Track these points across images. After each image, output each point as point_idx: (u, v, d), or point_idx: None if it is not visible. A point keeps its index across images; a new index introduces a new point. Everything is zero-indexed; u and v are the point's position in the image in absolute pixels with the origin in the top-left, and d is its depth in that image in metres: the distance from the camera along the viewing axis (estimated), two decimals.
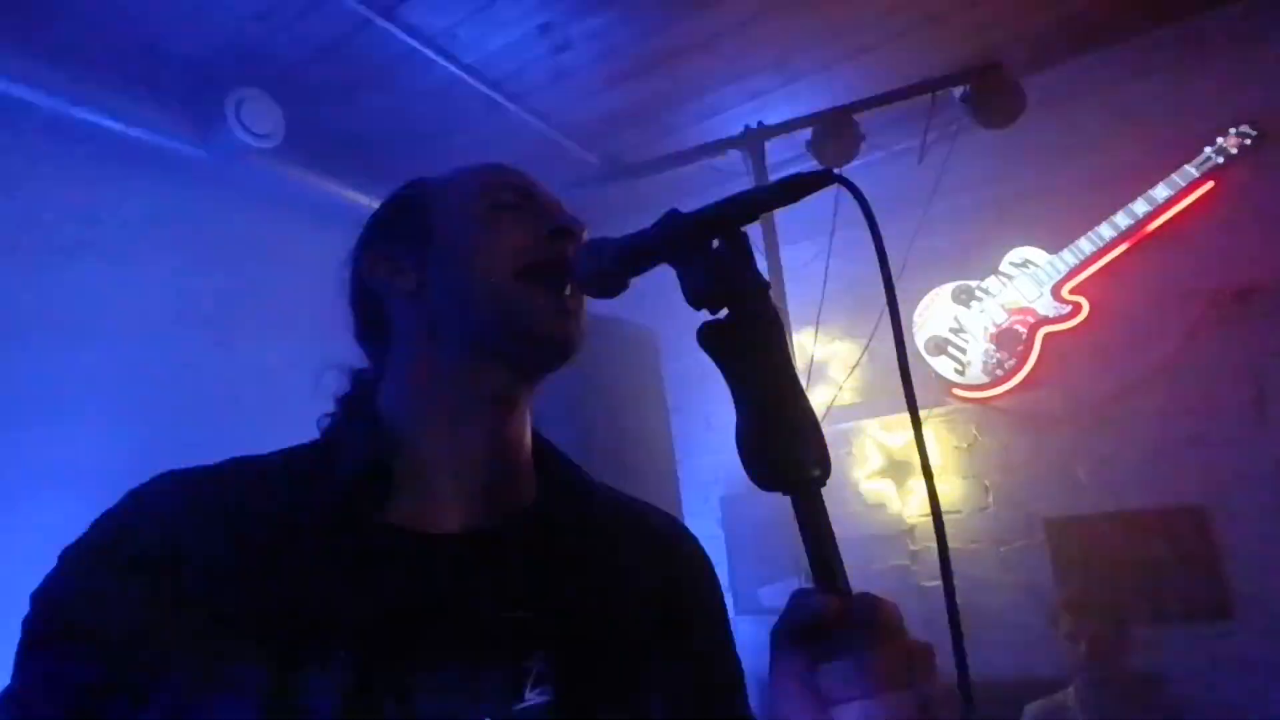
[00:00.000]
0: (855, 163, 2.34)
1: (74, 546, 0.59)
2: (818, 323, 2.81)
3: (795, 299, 3.11)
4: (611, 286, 0.64)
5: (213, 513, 0.60)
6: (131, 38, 2.12)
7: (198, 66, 2.20)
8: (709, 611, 0.76)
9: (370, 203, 3.01)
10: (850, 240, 2.99)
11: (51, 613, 0.57)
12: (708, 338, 0.53)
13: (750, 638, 3.12)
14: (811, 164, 2.41)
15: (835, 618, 0.45)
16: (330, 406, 0.73)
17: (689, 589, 0.74)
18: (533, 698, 0.58)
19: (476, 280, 0.66)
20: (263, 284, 2.37)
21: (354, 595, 0.57)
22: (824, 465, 0.51)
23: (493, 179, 0.72)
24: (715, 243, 0.57)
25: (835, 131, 2.15)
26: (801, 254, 2.92)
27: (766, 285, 0.55)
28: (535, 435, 0.75)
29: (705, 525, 3.21)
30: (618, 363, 2.50)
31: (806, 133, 2.26)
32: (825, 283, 2.79)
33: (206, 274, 2.21)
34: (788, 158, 2.80)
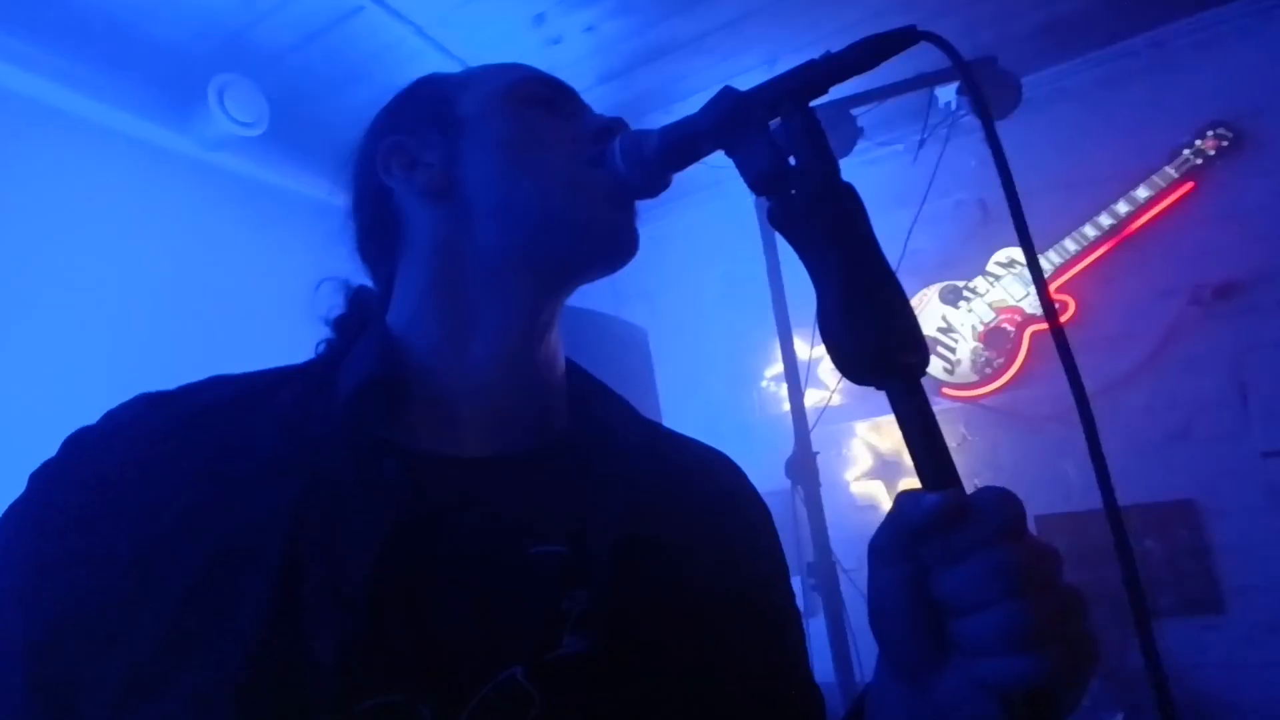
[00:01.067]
0: (848, 160, 2.34)
1: (43, 469, 0.54)
2: (814, 325, 2.79)
3: (792, 298, 3.11)
4: (656, 182, 0.58)
5: (194, 440, 0.53)
6: (111, 20, 2.04)
7: (179, 51, 2.12)
8: (772, 569, 0.68)
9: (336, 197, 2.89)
10: None
11: (18, 538, 0.50)
12: (779, 216, 0.49)
13: None
14: None
15: (954, 515, 0.39)
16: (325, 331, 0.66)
17: (751, 542, 0.67)
18: (571, 644, 0.50)
19: (524, 175, 0.59)
20: (246, 275, 2.29)
21: (358, 530, 0.49)
22: (923, 350, 0.45)
23: (524, 73, 0.66)
24: (774, 123, 0.51)
25: (830, 124, 2.14)
26: (791, 256, 2.91)
27: (836, 162, 0.49)
28: (570, 362, 0.68)
29: None
30: (608, 362, 2.45)
31: None
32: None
33: (188, 263, 2.12)
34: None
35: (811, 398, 3.13)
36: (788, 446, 3.04)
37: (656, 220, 3.58)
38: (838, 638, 1.93)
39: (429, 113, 0.64)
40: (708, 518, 0.64)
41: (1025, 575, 0.37)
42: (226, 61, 2.21)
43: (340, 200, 2.68)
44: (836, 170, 0.48)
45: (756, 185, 0.50)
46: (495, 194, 0.59)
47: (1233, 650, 2.42)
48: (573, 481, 0.58)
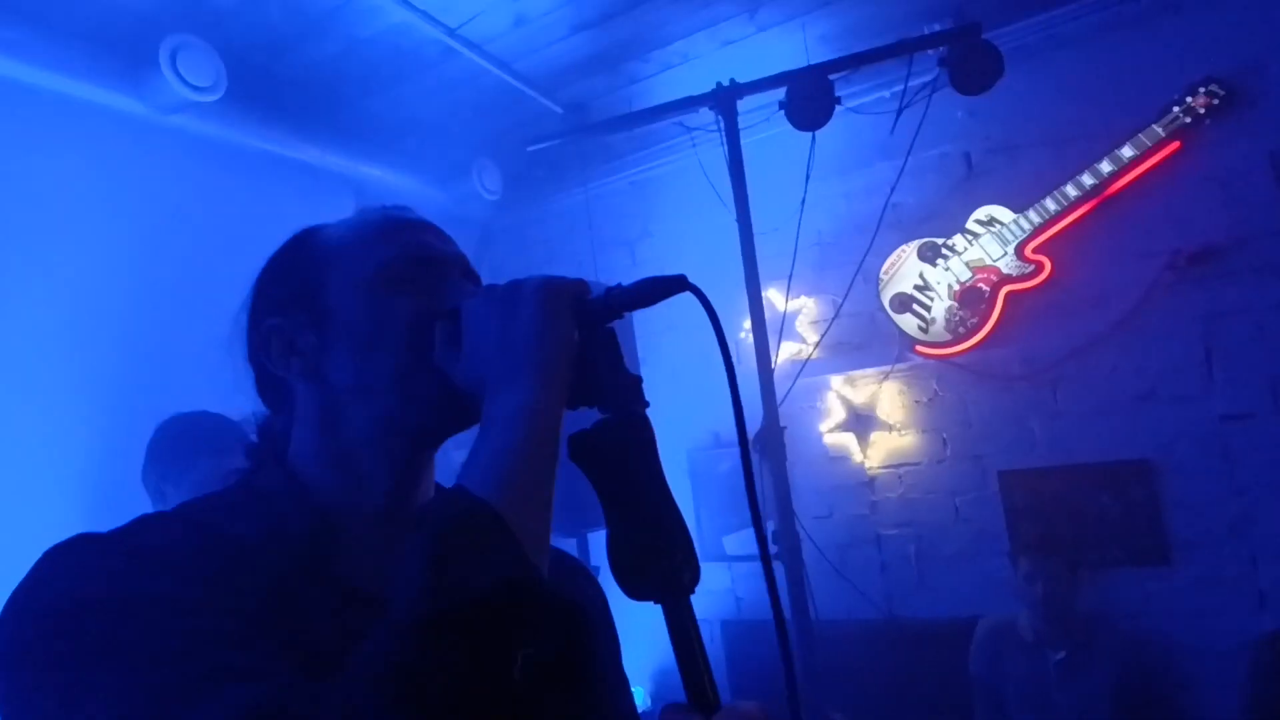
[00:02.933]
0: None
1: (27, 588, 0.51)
2: (790, 278, 2.79)
3: (764, 254, 3.09)
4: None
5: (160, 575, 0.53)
6: None
7: (129, 11, 2.02)
8: (614, 645, 0.82)
9: (322, 155, 2.82)
10: (821, 196, 2.96)
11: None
12: (576, 451, 0.55)
13: (715, 583, 3.24)
14: (784, 124, 2.35)
15: None
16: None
17: (600, 622, 0.80)
18: None
19: (376, 365, 0.64)
20: (209, 236, 2.26)
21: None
22: (694, 572, 0.52)
23: (388, 251, 0.67)
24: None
25: (809, 92, 2.08)
26: (771, 209, 2.88)
27: (637, 382, 0.55)
28: (438, 486, 0.75)
29: (673, 477, 3.25)
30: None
31: (780, 91, 2.19)
32: (798, 238, 2.76)
33: (151, 228, 2.08)
34: (758, 120, 2.73)
35: (788, 350, 3.18)
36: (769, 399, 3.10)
37: (636, 166, 3.51)
38: (796, 589, 2.05)
39: (301, 294, 0.68)
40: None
41: None
42: (178, 21, 2.11)
43: (300, 156, 2.58)
44: (636, 394, 0.55)
45: (571, 402, 0.57)
46: (355, 380, 0.65)
47: (1175, 600, 2.57)
48: None
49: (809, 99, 2.05)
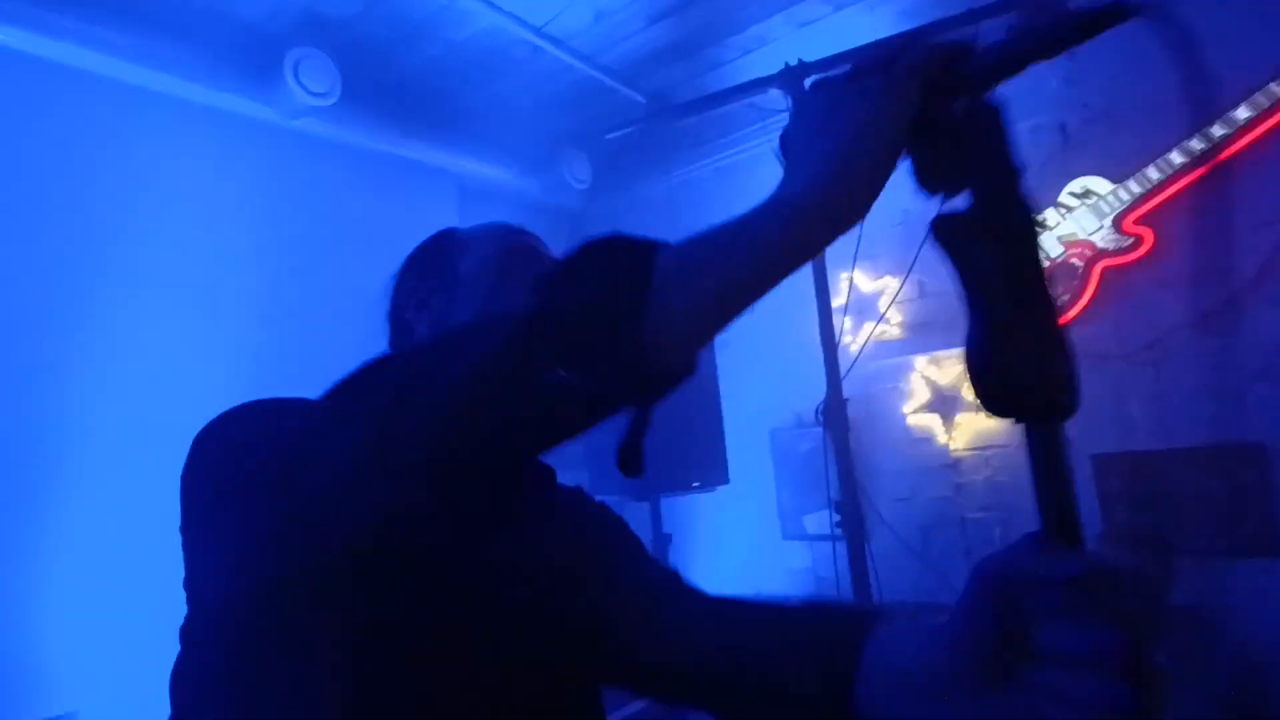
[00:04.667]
0: None
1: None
2: (855, 256, 2.79)
3: (849, 234, 3.08)
4: None
5: None
6: (192, 3, 2.25)
7: (257, 29, 2.32)
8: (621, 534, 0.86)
9: (427, 151, 3.09)
10: (899, 171, 2.93)
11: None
12: (944, 230, 0.44)
13: (796, 561, 3.30)
14: None
15: (1094, 584, 0.38)
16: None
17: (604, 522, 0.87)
18: None
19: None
20: (331, 232, 2.55)
21: None
22: (1074, 394, 0.41)
23: (508, 242, 0.83)
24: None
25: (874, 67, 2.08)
26: None
27: (1022, 168, 0.44)
28: None
29: (755, 457, 3.32)
30: None
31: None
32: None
33: (279, 225, 2.38)
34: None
35: (871, 330, 3.16)
36: (851, 380, 3.10)
37: (720, 153, 3.58)
38: (858, 568, 2.07)
39: (439, 267, 0.83)
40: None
41: (1136, 661, 0.37)
42: (300, 34, 2.39)
43: (408, 153, 2.85)
44: (1020, 179, 0.43)
45: (927, 184, 0.47)
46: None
47: None
48: None
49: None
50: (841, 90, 0.47)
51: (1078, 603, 0.38)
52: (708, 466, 2.58)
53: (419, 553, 0.59)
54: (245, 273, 2.31)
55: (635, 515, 3.52)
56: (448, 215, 3.32)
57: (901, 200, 2.52)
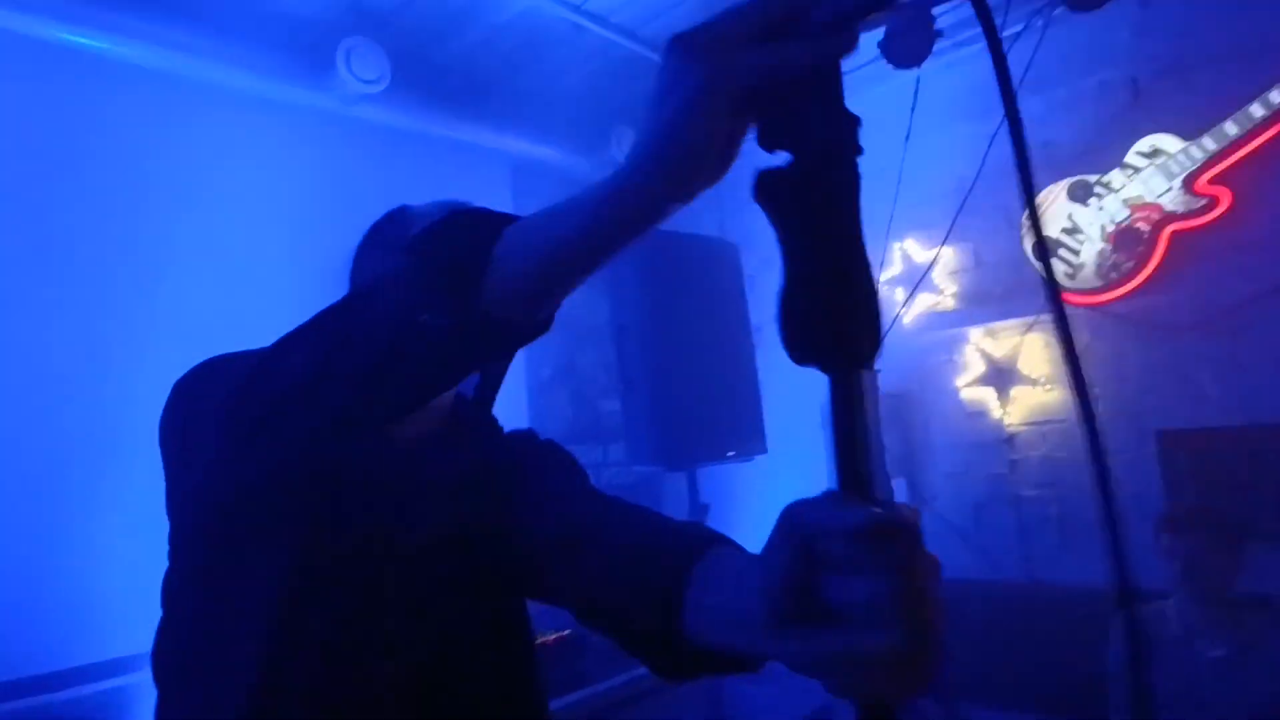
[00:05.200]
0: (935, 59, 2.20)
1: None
2: (889, 224, 2.72)
3: (903, 203, 3.02)
4: None
5: None
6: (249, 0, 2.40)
7: (310, 21, 2.46)
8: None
9: (476, 133, 3.19)
10: (962, 137, 2.83)
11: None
12: (762, 189, 0.44)
13: None
14: (883, 64, 2.30)
15: (869, 536, 0.38)
16: None
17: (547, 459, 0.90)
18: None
19: None
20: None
21: None
22: (873, 344, 0.42)
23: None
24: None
25: (904, 27, 2.03)
26: (908, 157, 2.80)
27: (855, 122, 0.43)
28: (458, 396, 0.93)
29: (805, 427, 3.29)
30: (695, 280, 2.59)
31: (878, 33, 2.15)
32: (900, 182, 2.68)
33: (330, 213, 2.53)
34: (854, 62, 2.66)
35: (925, 302, 3.09)
36: (902, 353, 3.05)
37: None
38: None
39: (391, 239, 0.91)
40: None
41: (910, 610, 0.37)
42: (351, 25, 2.52)
43: (459, 135, 2.92)
44: (853, 133, 0.43)
45: (761, 140, 0.45)
46: None
47: None
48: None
49: (905, 34, 2.00)
50: (681, 52, 0.46)
51: (854, 553, 0.38)
52: (744, 436, 2.59)
53: (342, 468, 0.68)
54: (305, 256, 2.47)
55: (672, 486, 3.55)
56: (501, 196, 3.42)
57: (956, 167, 2.49)
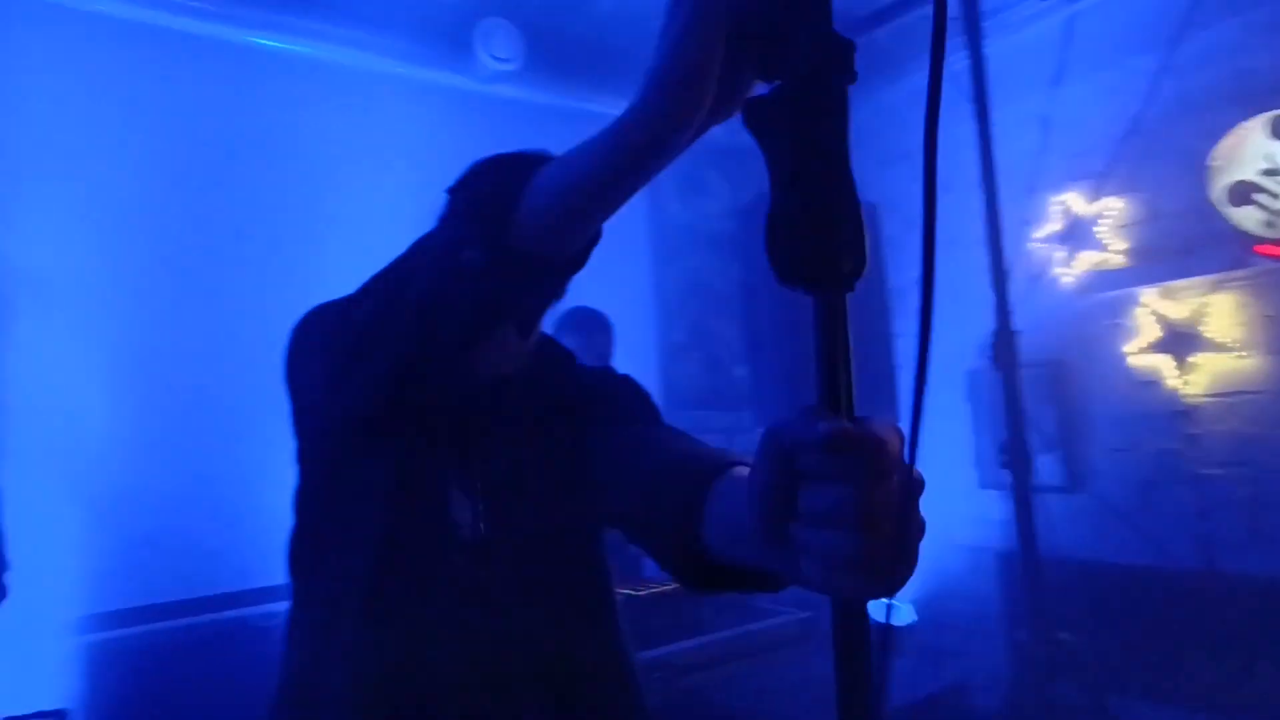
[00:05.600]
0: None
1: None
2: (1038, 174, 2.48)
3: (1066, 150, 2.77)
4: None
5: None
6: None
7: (449, 7, 2.62)
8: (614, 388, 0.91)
9: (614, 103, 3.31)
10: (1136, 73, 2.54)
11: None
12: (752, 113, 0.45)
13: (994, 512, 3.09)
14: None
15: (835, 446, 0.40)
16: None
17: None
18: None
19: None
20: None
21: None
22: (857, 262, 0.44)
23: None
24: None
25: None
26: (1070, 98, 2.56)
27: (847, 46, 0.44)
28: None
29: (951, 400, 3.11)
30: None
31: None
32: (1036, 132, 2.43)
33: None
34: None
35: (1089, 260, 2.82)
36: (1060, 317, 2.80)
37: (912, 76, 3.33)
38: (1023, 515, 1.92)
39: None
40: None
41: (870, 515, 0.39)
42: (486, 6, 2.66)
43: (594, 107, 3.03)
44: (846, 57, 0.44)
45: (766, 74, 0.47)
46: None
47: None
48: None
49: None
50: None
51: (825, 463, 0.40)
52: (874, 407, 2.48)
53: (427, 402, 0.76)
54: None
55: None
56: None
57: (1129, 105, 2.28)
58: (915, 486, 0.41)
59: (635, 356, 3.40)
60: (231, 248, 2.40)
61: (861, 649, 0.42)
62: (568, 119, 3.07)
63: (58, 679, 1.95)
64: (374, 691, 0.75)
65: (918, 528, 0.41)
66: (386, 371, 0.68)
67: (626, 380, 0.94)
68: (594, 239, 0.66)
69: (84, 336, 2.14)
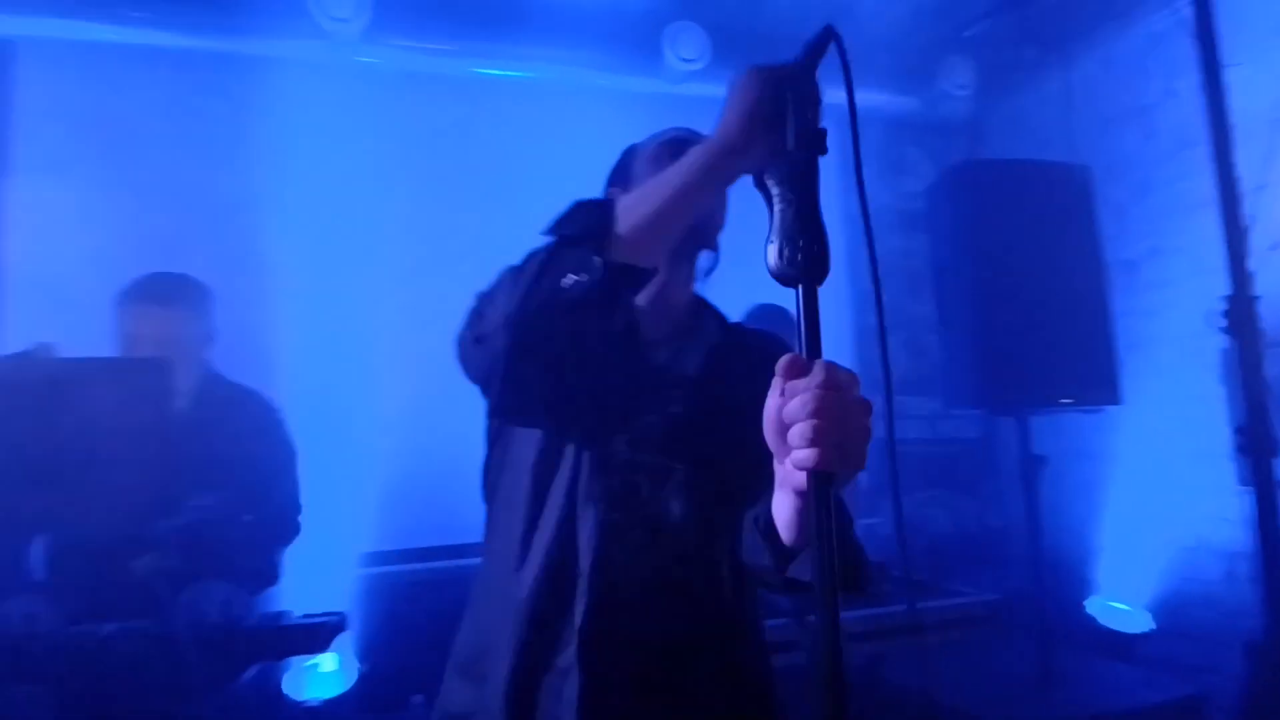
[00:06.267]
0: None
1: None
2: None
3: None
4: None
5: None
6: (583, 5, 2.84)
7: (636, 14, 2.82)
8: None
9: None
10: None
11: None
12: (773, 171, 0.72)
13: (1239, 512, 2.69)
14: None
15: (794, 370, 0.64)
16: None
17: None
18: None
19: None
20: None
21: None
22: (822, 270, 0.67)
23: (663, 138, 1.06)
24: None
25: None
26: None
27: (820, 134, 0.71)
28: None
29: (1199, 385, 2.73)
30: (1031, 212, 2.33)
31: None
32: None
33: None
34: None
35: None
36: None
37: (1109, 43, 2.97)
38: (1266, 512, 1.68)
39: (620, 172, 1.11)
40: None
41: (820, 406, 0.61)
42: (672, 10, 2.83)
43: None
44: (810, 138, 0.72)
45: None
46: None
47: None
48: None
49: None
50: (755, 78, 0.81)
51: (793, 385, 0.64)
52: (1088, 382, 2.30)
53: (584, 364, 0.89)
54: None
55: (1004, 434, 3.24)
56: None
57: None
58: (854, 401, 0.63)
59: (829, 341, 3.36)
60: (474, 252, 2.82)
61: (827, 508, 0.61)
62: None
63: (339, 602, 2.42)
64: (546, 600, 0.90)
65: (857, 425, 0.63)
66: (516, 363, 0.84)
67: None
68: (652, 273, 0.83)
69: (368, 316, 2.62)
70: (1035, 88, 3.37)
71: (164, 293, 1.70)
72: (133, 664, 1.31)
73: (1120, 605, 2.90)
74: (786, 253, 0.67)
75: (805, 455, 0.60)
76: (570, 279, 0.78)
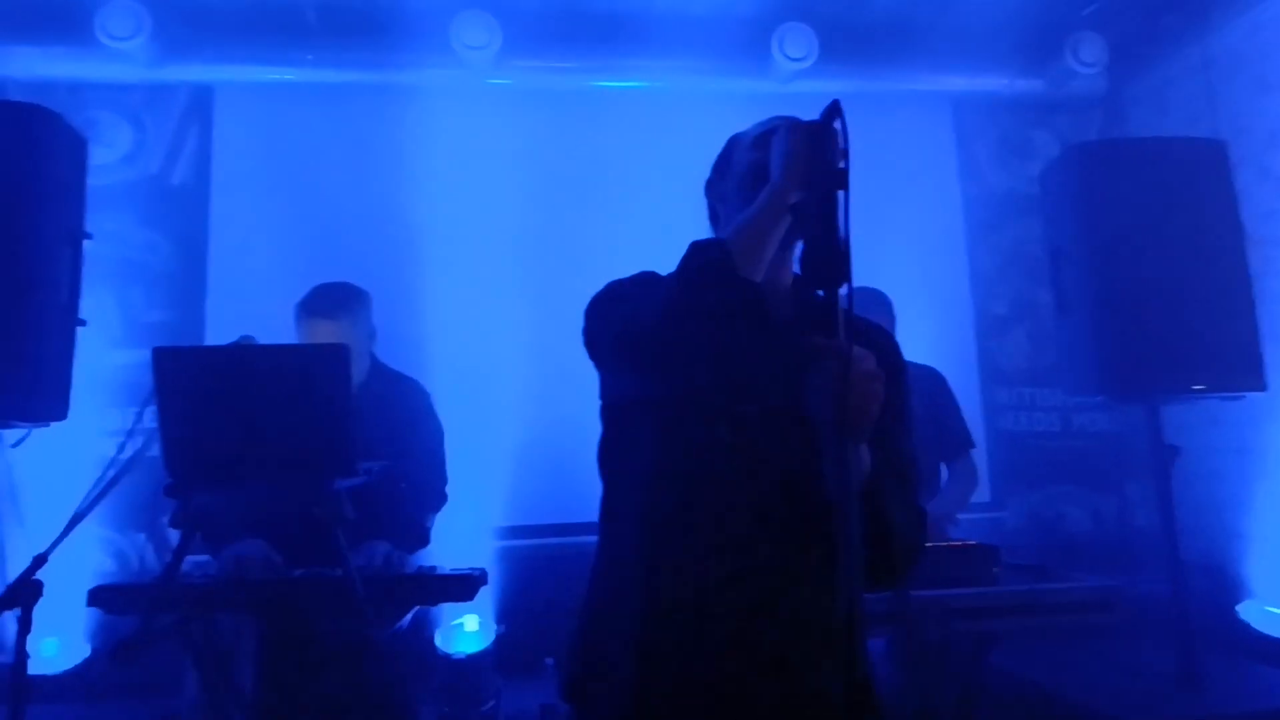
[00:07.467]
0: None
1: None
2: None
3: None
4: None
5: None
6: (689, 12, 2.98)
7: (747, 18, 2.93)
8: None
9: (914, 78, 3.33)
10: None
11: None
12: (798, 209, 0.92)
13: None
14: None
15: (821, 355, 0.83)
16: None
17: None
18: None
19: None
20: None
21: None
22: (845, 274, 0.85)
23: (767, 125, 1.10)
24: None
25: None
26: None
27: (842, 174, 0.87)
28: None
29: None
30: (1159, 190, 2.23)
31: None
32: None
33: None
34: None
35: None
36: None
37: (1252, 11, 2.74)
38: None
39: (724, 162, 1.17)
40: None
41: (844, 380, 0.80)
42: (782, 12, 2.91)
43: (899, 86, 3.15)
44: (833, 199, 0.87)
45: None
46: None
47: None
48: None
49: None
50: (786, 134, 0.96)
51: (823, 362, 0.83)
52: (1226, 368, 2.17)
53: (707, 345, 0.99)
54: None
55: (1134, 422, 3.09)
56: (944, 136, 3.44)
57: None
58: (864, 371, 0.85)
59: (951, 332, 3.32)
60: (591, 257, 3.04)
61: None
62: (862, 100, 3.16)
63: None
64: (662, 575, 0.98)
65: (866, 389, 0.85)
66: (639, 360, 1.02)
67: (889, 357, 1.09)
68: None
69: (503, 313, 2.91)
70: (1175, 59, 3.18)
71: (329, 308, 1.94)
72: (318, 601, 1.58)
73: (1276, 610, 2.70)
74: (812, 262, 0.86)
75: (828, 410, 0.80)
76: (702, 293, 0.94)
